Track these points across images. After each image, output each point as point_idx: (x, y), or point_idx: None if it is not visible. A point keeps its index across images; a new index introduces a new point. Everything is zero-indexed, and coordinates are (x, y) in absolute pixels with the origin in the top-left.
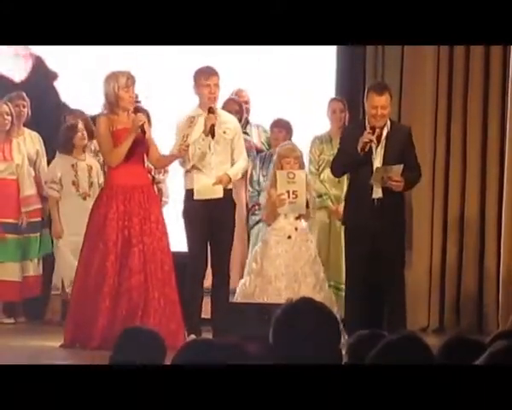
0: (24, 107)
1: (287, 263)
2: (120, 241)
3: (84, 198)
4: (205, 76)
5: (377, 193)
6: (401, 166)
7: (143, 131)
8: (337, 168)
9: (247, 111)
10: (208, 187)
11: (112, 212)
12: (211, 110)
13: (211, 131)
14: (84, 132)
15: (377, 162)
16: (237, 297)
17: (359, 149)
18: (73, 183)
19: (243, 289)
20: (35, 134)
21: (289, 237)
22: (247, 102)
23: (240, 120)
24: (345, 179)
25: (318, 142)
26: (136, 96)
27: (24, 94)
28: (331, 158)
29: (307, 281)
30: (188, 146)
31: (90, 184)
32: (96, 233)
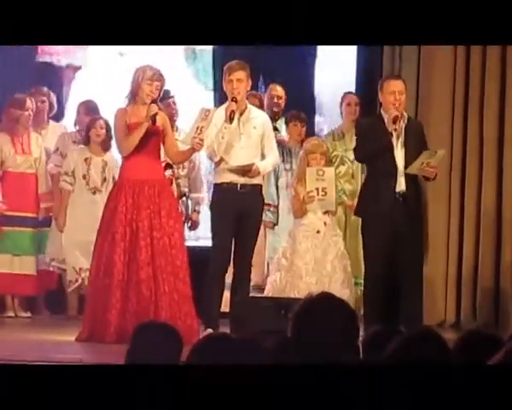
0: (43, 102)
1: (316, 258)
2: (128, 234)
3: (94, 193)
4: (229, 71)
5: (400, 186)
6: (443, 151)
7: (154, 122)
8: (363, 153)
9: (279, 106)
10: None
11: (120, 205)
12: (233, 99)
13: (230, 117)
14: (101, 130)
15: (399, 154)
16: (268, 294)
17: (390, 123)
18: (84, 176)
19: (274, 285)
20: (59, 126)
21: (318, 232)
22: (280, 98)
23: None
24: (359, 174)
25: (330, 138)
26: (169, 92)
27: (44, 88)
28: (344, 154)
29: (336, 276)
30: (202, 139)
31: (104, 180)
32: (106, 226)
